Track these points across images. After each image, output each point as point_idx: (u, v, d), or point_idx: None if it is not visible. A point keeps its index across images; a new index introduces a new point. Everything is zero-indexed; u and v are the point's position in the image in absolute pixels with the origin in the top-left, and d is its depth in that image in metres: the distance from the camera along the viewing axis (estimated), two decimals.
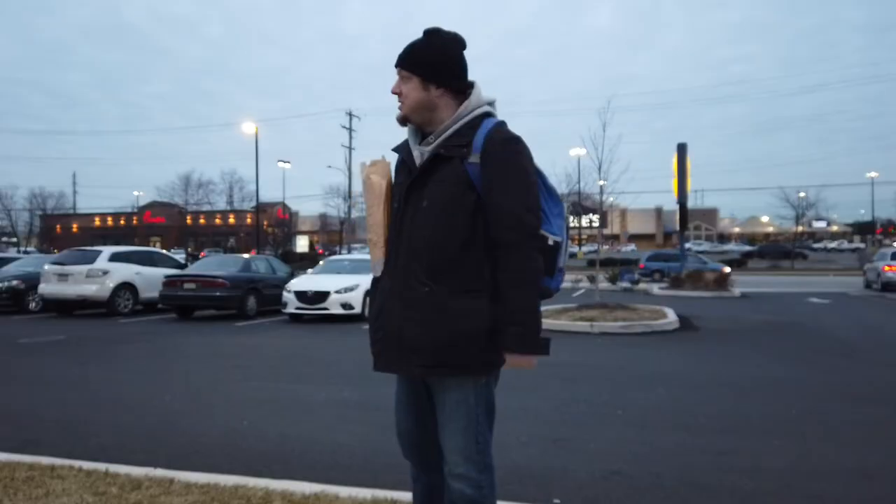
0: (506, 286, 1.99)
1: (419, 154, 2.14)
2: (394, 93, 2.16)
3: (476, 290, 2.02)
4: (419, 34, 2.17)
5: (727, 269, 25.17)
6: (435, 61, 2.11)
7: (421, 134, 2.18)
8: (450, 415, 2.09)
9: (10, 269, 16.93)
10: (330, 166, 78.46)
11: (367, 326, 2.25)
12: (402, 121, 2.18)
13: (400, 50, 2.18)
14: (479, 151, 2.04)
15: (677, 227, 27.87)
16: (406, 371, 2.12)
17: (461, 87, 2.14)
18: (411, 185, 2.10)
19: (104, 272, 14.82)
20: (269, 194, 79.84)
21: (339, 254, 41.38)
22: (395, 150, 2.25)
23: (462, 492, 2.06)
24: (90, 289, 14.67)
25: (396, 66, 2.16)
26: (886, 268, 22.40)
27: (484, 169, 2.03)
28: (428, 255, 2.03)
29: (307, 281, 14.09)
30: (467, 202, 2.02)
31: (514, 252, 1.99)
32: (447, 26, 2.19)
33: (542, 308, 2.12)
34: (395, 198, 2.18)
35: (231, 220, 70.46)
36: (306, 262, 36.37)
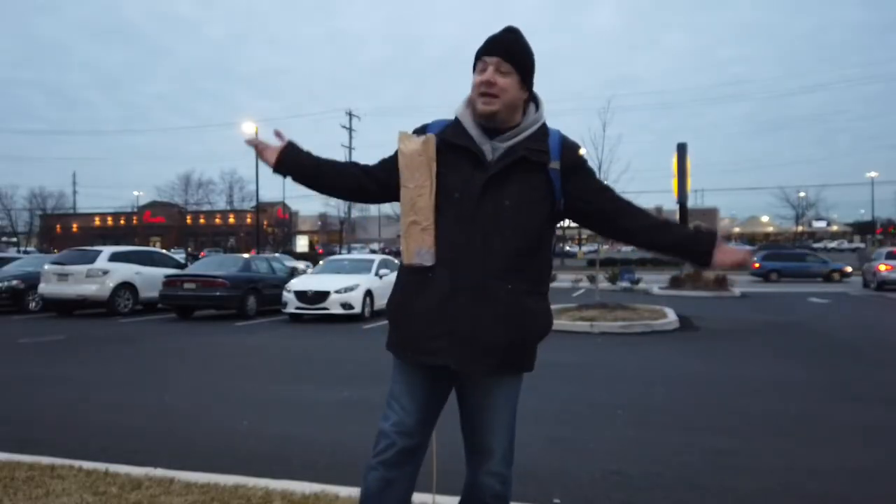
0: (665, 223, 2.18)
1: (491, 149, 2.07)
2: (489, 83, 2.03)
3: (545, 291, 2.15)
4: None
5: (849, 269, 25.07)
6: (531, 64, 2.12)
7: (482, 130, 2.08)
8: (500, 414, 2.13)
9: (10, 268, 16.93)
10: None
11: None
12: (491, 116, 2.05)
13: (482, 41, 2.10)
14: (558, 159, 2.10)
15: None
16: (471, 369, 2.03)
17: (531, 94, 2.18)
18: (489, 180, 2.02)
19: (104, 272, 14.82)
20: (269, 194, 79.98)
21: (339, 254, 41.38)
22: (445, 134, 2.09)
23: (493, 488, 2.14)
24: (90, 289, 14.67)
25: (496, 55, 2.04)
26: (881, 267, 22.77)
27: (573, 176, 2.11)
28: (507, 254, 2.03)
29: (307, 281, 14.09)
30: (546, 207, 2.10)
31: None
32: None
33: None
34: (458, 188, 2.03)
35: (231, 219, 70.51)
36: (306, 262, 36.36)
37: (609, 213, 2.17)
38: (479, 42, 2.13)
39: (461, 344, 2.00)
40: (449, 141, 2.08)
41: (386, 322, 2.26)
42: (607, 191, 2.20)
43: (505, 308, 2.02)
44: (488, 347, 2.01)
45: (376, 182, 2.21)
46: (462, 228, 2.02)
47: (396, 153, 2.13)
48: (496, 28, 2.14)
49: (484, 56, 2.07)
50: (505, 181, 2.04)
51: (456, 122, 2.12)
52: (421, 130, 2.15)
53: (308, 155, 2.24)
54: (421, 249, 2.03)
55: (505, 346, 2.02)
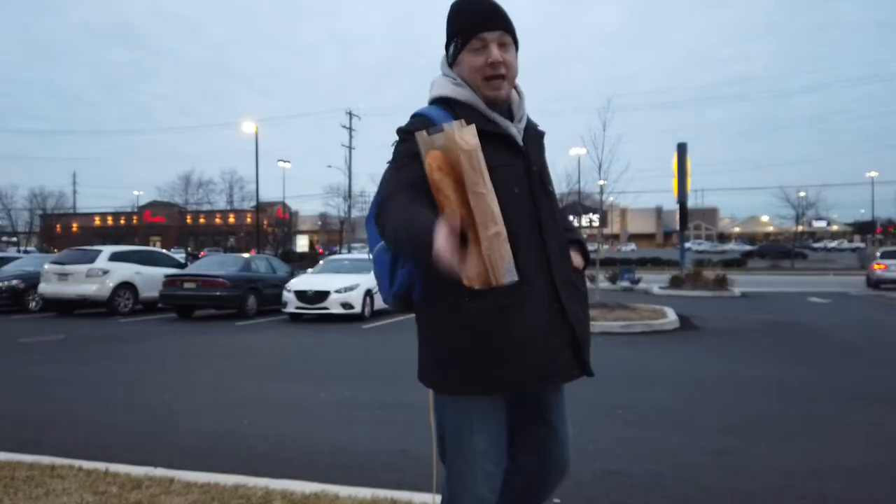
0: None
1: (517, 132, 1.85)
2: (498, 63, 1.78)
3: None
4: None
5: None
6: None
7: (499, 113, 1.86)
8: (565, 408, 2.03)
9: (10, 268, 16.94)
10: (330, 166, 78.32)
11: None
12: (503, 102, 1.84)
13: (486, 13, 1.80)
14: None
15: (677, 227, 27.88)
16: (580, 375, 1.89)
17: None
18: (535, 167, 1.85)
19: (104, 272, 14.83)
20: (269, 194, 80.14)
21: (339, 253, 41.39)
22: (479, 122, 1.75)
23: (567, 465, 2.08)
24: (90, 288, 14.67)
25: (499, 29, 1.79)
26: (876, 266, 23.23)
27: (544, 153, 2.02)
28: (565, 243, 1.91)
29: (307, 280, 14.09)
30: None
31: None
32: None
33: None
34: (515, 182, 1.78)
35: (231, 219, 70.46)
36: (306, 261, 36.38)
37: None
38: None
39: (580, 349, 1.86)
40: (485, 129, 1.74)
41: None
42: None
43: (586, 297, 1.96)
44: (590, 342, 1.93)
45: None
46: (531, 226, 1.79)
47: (419, 161, 1.73)
48: None
49: (483, 32, 1.78)
50: (542, 165, 1.91)
51: (467, 107, 1.80)
52: (423, 124, 1.76)
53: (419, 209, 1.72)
54: (509, 264, 1.67)
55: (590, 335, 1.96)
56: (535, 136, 1.93)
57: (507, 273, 1.67)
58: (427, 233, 1.51)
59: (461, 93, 1.82)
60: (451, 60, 1.86)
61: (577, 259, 1.95)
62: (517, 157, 1.83)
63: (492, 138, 1.76)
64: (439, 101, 1.84)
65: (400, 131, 1.82)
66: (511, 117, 1.88)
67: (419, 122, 1.78)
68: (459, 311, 1.72)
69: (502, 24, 1.80)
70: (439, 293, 1.76)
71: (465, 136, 1.65)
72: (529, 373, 1.75)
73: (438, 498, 2.54)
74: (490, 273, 1.66)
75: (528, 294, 1.74)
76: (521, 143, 1.85)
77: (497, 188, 1.68)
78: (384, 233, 1.73)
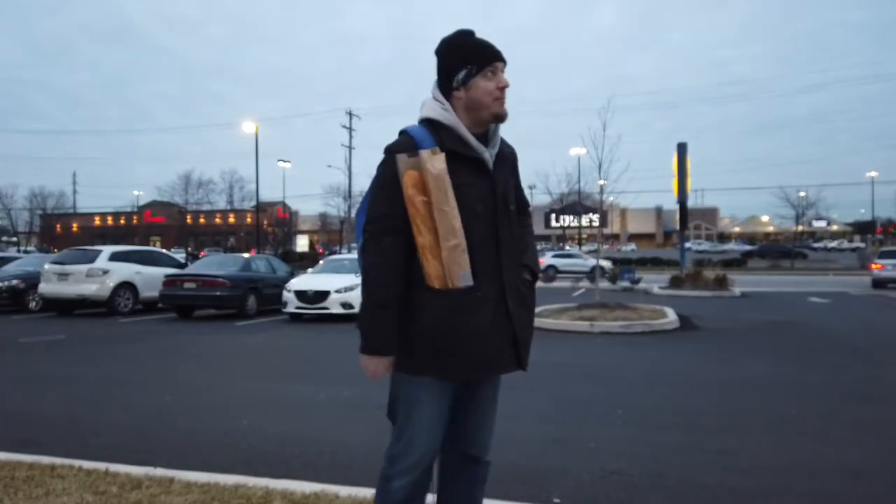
0: (533, 247, 2.34)
1: (490, 157, 2.13)
2: (507, 87, 2.13)
3: None
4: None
5: None
6: None
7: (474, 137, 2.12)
8: (493, 404, 2.29)
9: (10, 268, 16.94)
10: (330, 166, 78.53)
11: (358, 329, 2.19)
12: (507, 114, 2.15)
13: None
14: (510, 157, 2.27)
15: (677, 227, 27.88)
16: (524, 368, 2.20)
17: None
18: (500, 188, 2.13)
19: (104, 271, 14.83)
20: (269, 194, 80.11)
21: (340, 253, 41.39)
22: (450, 145, 2.06)
23: (487, 469, 2.32)
24: (90, 288, 14.67)
25: (505, 62, 2.15)
26: (873, 266, 23.75)
27: (516, 172, 2.31)
28: (521, 255, 2.21)
29: (307, 280, 14.09)
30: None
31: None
32: (450, 27, 2.20)
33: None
34: (479, 200, 2.07)
35: (231, 219, 70.47)
36: (306, 261, 36.38)
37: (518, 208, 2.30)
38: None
39: (522, 347, 2.16)
40: (458, 152, 2.06)
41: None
42: (521, 188, 2.37)
43: (532, 303, 2.24)
44: (530, 344, 2.23)
45: (405, 236, 2.05)
46: (490, 239, 2.09)
47: (397, 184, 2.02)
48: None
49: (497, 62, 2.12)
50: (506, 187, 2.17)
51: (449, 130, 2.08)
52: (409, 144, 2.05)
53: (393, 322, 2.05)
54: (465, 271, 2.01)
55: (532, 335, 2.25)
56: (505, 159, 2.20)
57: (462, 278, 2.01)
58: (378, 348, 2.03)
59: (446, 117, 2.10)
60: (461, 84, 2.10)
61: (526, 274, 2.25)
62: (485, 178, 2.11)
63: (465, 160, 2.07)
64: (426, 122, 2.13)
65: (386, 151, 2.10)
66: (486, 142, 2.14)
67: (403, 140, 2.08)
68: (422, 307, 2.04)
69: (503, 58, 2.15)
70: (407, 290, 2.06)
71: (435, 162, 1.99)
72: (475, 363, 2.07)
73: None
74: (447, 277, 2.01)
75: (480, 297, 2.05)
76: (490, 166, 2.13)
77: (462, 204, 2.02)
78: (362, 267, 2.10)
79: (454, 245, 1.99)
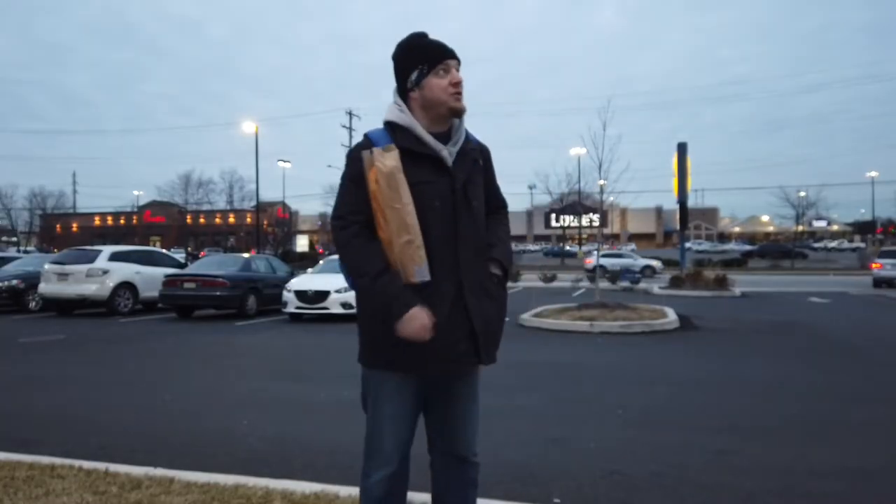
0: (505, 243, 2.33)
1: (448, 154, 2.14)
2: (460, 82, 2.16)
3: None
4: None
5: None
6: None
7: (432, 136, 2.15)
8: (474, 400, 2.27)
9: (10, 268, 16.93)
10: (330, 166, 78.35)
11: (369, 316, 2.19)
12: (462, 113, 2.19)
13: (446, 45, 2.20)
14: (480, 154, 2.28)
15: (677, 227, 27.89)
16: (488, 362, 2.17)
17: None
18: (460, 184, 2.14)
19: (104, 271, 14.82)
20: (269, 194, 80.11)
21: None
22: (406, 143, 2.10)
23: (475, 470, 2.29)
24: (90, 288, 14.67)
25: (457, 58, 2.18)
26: (873, 265, 24.34)
27: (487, 170, 2.31)
28: (484, 250, 2.21)
29: (307, 280, 14.08)
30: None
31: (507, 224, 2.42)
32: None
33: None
34: (436, 197, 2.09)
35: (231, 219, 70.50)
36: (306, 261, 36.37)
37: (490, 205, 2.32)
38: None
39: (482, 342, 2.13)
40: (415, 150, 2.10)
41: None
42: (496, 185, 2.38)
43: (499, 298, 2.23)
44: (496, 337, 2.21)
45: (372, 231, 2.11)
46: (448, 235, 2.10)
47: (362, 180, 2.08)
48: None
49: (448, 59, 2.16)
50: (467, 184, 2.17)
51: (405, 130, 2.13)
52: (366, 144, 2.11)
53: (397, 283, 2.06)
54: (420, 267, 2.03)
55: (501, 330, 2.25)
56: (467, 155, 2.20)
57: (417, 274, 2.02)
58: (400, 307, 2.01)
59: (402, 118, 2.15)
60: (415, 84, 2.16)
61: (494, 269, 2.24)
62: (443, 175, 2.12)
63: (421, 158, 2.10)
64: (386, 125, 2.18)
65: (349, 152, 2.18)
66: (448, 139, 2.17)
67: (363, 143, 2.15)
68: None
69: (457, 54, 2.19)
70: None
71: (385, 159, 2.04)
72: (430, 358, 2.07)
73: None
74: (402, 273, 2.03)
75: (435, 292, 2.06)
76: (449, 163, 2.13)
77: (419, 201, 2.05)
78: (342, 262, 2.15)
79: (407, 241, 2.02)
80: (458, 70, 2.18)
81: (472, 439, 2.27)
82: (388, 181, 2.02)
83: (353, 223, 2.11)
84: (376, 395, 2.18)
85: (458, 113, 2.17)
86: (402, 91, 2.20)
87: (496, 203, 2.36)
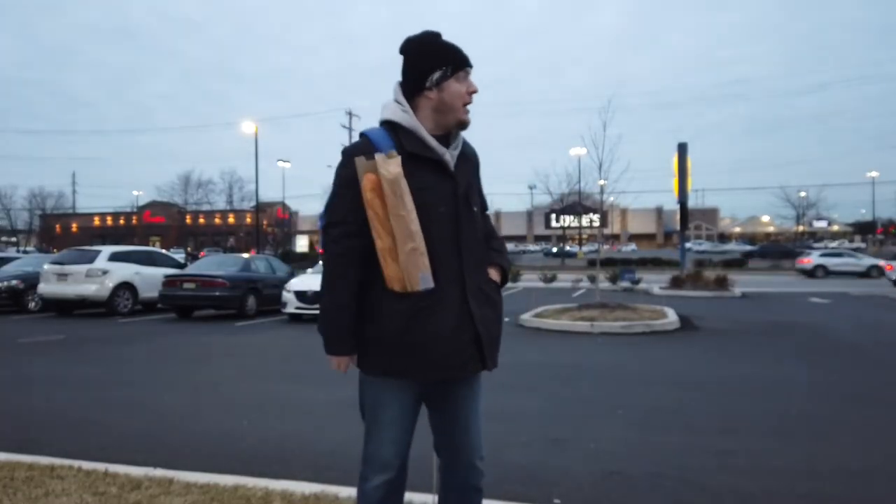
0: (505, 249, 2.34)
1: (451, 158, 2.11)
2: (476, 92, 2.14)
3: None
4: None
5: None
6: None
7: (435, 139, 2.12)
8: (477, 405, 2.24)
9: (10, 268, 16.92)
10: (330, 166, 78.17)
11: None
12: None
13: (461, 50, 2.17)
14: (474, 159, 2.26)
15: (678, 227, 27.87)
16: (490, 368, 2.16)
17: None
18: (462, 189, 2.11)
19: (104, 272, 14.81)
20: (268, 194, 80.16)
21: None
22: (408, 147, 2.04)
23: (483, 470, 2.25)
24: (90, 288, 14.66)
25: (471, 66, 2.15)
26: (888, 267, 25.01)
27: (478, 174, 2.29)
28: (484, 256, 2.20)
29: (307, 280, 14.07)
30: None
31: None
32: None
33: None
34: (441, 202, 2.05)
35: (231, 219, 70.50)
36: (306, 261, 36.37)
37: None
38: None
39: (486, 347, 2.11)
40: (418, 154, 2.05)
41: None
42: (482, 189, 2.35)
43: (497, 303, 2.21)
44: (497, 341, 2.19)
45: (365, 240, 2.05)
46: (452, 241, 2.07)
47: (356, 187, 2.02)
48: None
49: (468, 67, 2.13)
50: (469, 188, 2.16)
51: (409, 133, 2.07)
52: (367, 147, 2.04)
53: (349, 323, 2.09)
54: (424, 274, 2.00)
55: (500, 335, 2.21)
56: (467, 159, 2.19)
57: (422, 281, 1.99)
58: (336, 348, 2.10)
59: (406, 119, 2.08)
60: (435, 84, 2.09)
61: (494, 274, 2.23)
62: (446, 179, 2.09)
63: (425, 162, 2.05)
64: (386, 124, 2.11)
65: (344, 153, 2.09)
66: (448, 143, 2.13)
67: (361, 143, 2.07)
68: (381, 309, 2.05)
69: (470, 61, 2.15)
70: (367, 291, 2.09)
71: (389, 166, 1.97)
72: (433, 365, 2.04)
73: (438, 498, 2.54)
74: (406, 280, 1.99)
75: (440, 299, 2.03)
76: (452, 167, 2.10)
77: (423, 206, 2.01)
78: (323, 268, 2.15)
79: (412, 249, 1.98)
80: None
81: (475, 444, 2.24)
82: (393, 189, 1.96)
83: (343, 237, 2.06)
84: (376, 402, 2.15)
85: (464, 125, 2.14)
86: (413, 88, 2.11)
87: (483, 207, 2.34)
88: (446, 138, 2.14)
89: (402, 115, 2.09)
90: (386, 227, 1.99)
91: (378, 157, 1.99)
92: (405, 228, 1.97)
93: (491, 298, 2.18)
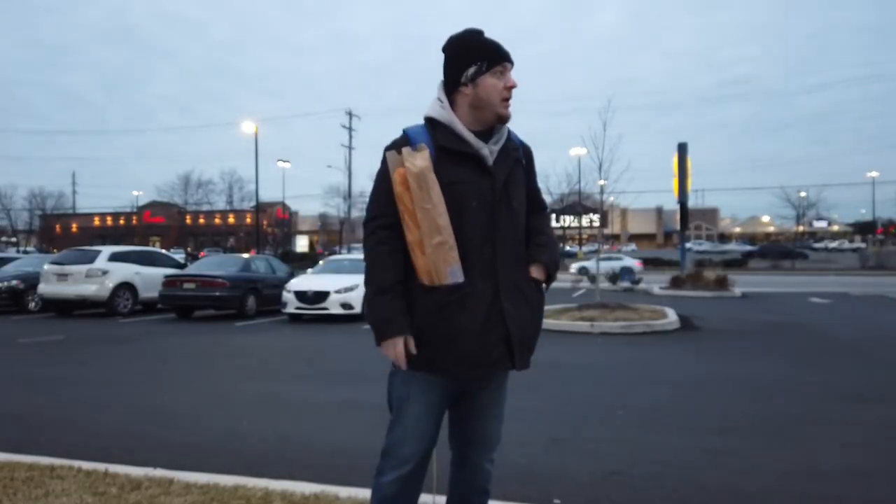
0: (553, 245, 2.28)
1: (489, 152, 2.10)
2: (515, 87, 2.14)
3: None
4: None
5: None
6: None
7: (474, 134, 2.11)
8: (501, 402, 2.27)
9: (10, 269, 16.93)
10: (330, 166, 78.49)
11: (367, 326, 2.18)
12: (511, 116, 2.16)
13: (501, 45, 2.16)
14: (522, 154, 2.23)
15: (678, 227, 27.89)
16: (522, 367, 2.14)
17: None
18: (501, 185, 2.09)
19: (104, 272, 14.82)
20: (268, 194, 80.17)
21: (339, 254, 41.36)
22: (443, 141, 2.06)
23: (490, 472, 2.28)
24: (89, 289, 14.66)
25: (511, 61, 2.15)
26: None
27: (530, 171, 2.27)
28: (523, 253, 2.16)
29: (307, 281, 14.08)
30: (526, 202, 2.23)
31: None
32: (451, 27, 2.23)
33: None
34: (474, 197, 2.04)
35: (231, 219, 70.49)
36: (306, 262, 36.38)
37: (530, 206, 2.26)
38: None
39: (517, 347, 2.09)
40: (452, 149, 2.05)
41: None
42: (537, 187, 2.34)
43: (536, 303, 2.17)
44: (531, 342, 2.17)
45: (401, 233, 2.06)
46: (485, 236, 2.05)
47: (390, 181, 2.05)
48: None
49: (506, 62, 2.12)
50: (508, 184, 2.12)
51: (444, 127, 2.09)
52: (403, 143, 2.08)
53: (397, 304, 2.05)
54: (453, 268, 1.99)
55: (537, 336, 2.20)
56: (509, 154, 2.15)
57: (450, 275, 1.98)
58: (384, 331, 2.03)
59: (442, 114, 2.10)
60: (470, 80, 2.10)
61: (536, 272, 2.18)
62: (483, 174, 2.07)
63: (461, 156, 2.06)
64: (427, 121, 2.14)
65: (386, 149, 2.11)
66: (489, 138, 2.12)
67: (399, 139, 2.11)
68: (413, 302, 2.04)
69: (512, 60, 2.15)
70: (406, 286, 2.07)
71: (415, 160, 1.99)
72: (462, 360, 2.03)
73: (439, 498, 2.54)
74: (434, 274, 1.99)
75: (470, 294, 2.01)
76: (489, 162, 2.09)
77: (455, 201, 2.01)
78: (365, 262, 2.12)
79: (439, 242, 1.97)
80: (511, 74, 2.14)
81: (489, 445, 2.24)
82: (419, 182, 1.97)
83: (380, 228, 2.07)
84: (403, 396, 2.14)
85: (504, 120, 2.13)
86: (452, 85, 2.13)
87: (537, 205, 2.30)
88: (488, 133, 2.13)
89: (439, 111, 2.11)
90: (415, 220, 1.99)
91: (405, 150, 2.02)
92: (431, 222, 1.97)
93: (528, 297, 2.13)
